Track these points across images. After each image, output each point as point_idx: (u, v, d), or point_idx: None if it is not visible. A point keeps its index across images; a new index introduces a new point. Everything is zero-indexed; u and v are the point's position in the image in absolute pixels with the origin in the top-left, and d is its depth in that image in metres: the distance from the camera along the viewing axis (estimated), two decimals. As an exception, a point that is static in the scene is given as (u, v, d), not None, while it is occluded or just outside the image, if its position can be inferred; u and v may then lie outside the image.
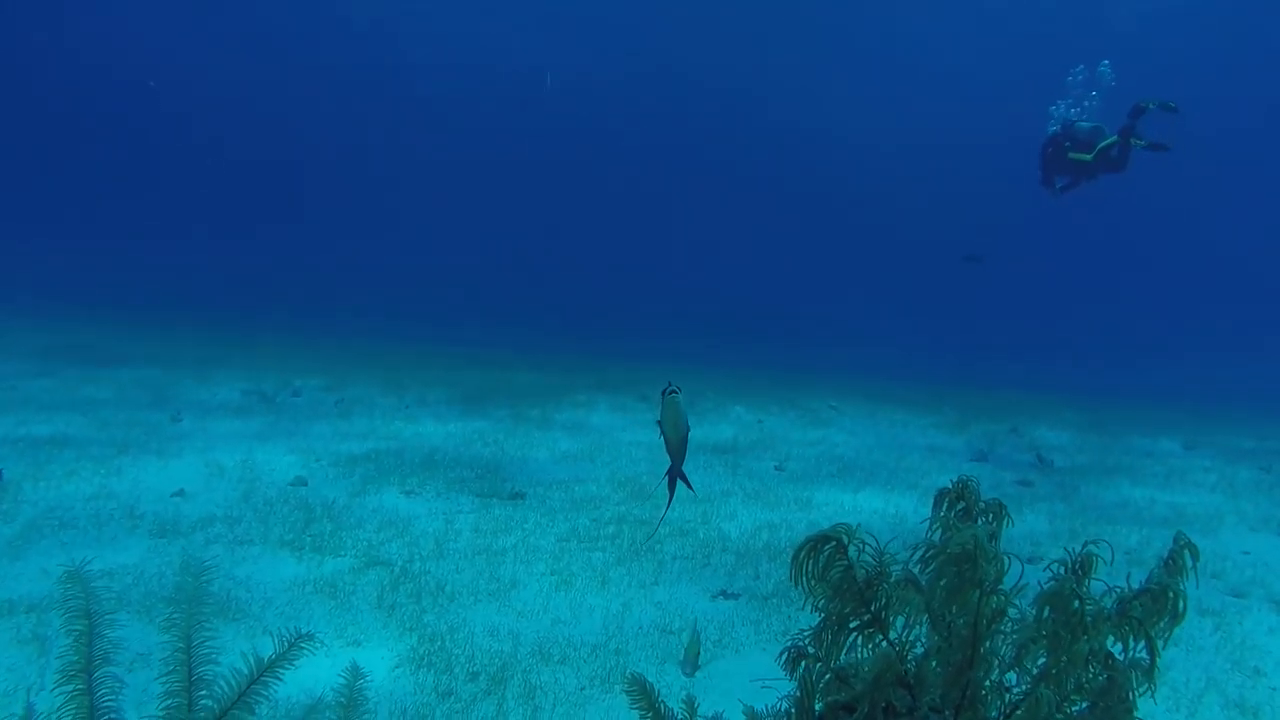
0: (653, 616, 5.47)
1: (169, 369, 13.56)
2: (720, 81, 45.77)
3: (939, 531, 3.30)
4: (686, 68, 45.15)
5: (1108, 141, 11.47)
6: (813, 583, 2.92)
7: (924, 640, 3.15)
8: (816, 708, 2.92)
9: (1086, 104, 13.87)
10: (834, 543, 3.00)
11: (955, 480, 3.46)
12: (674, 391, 3.90)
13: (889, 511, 8.30)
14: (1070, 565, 3.11)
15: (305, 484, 7.89)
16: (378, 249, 41.82)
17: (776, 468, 9.79)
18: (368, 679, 3.03)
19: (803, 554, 2.93)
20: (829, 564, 3.01)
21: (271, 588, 5.50)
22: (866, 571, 3.03)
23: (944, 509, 3.34)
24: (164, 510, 6.89)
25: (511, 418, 11.61)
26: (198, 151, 48.60)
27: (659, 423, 4.04)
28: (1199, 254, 45.88)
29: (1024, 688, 3.03)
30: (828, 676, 3.14)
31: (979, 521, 3.28)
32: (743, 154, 49.15)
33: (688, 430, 4.02)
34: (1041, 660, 3.00)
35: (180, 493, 7.35)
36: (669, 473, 4.18)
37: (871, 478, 9.51)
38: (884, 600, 2.97)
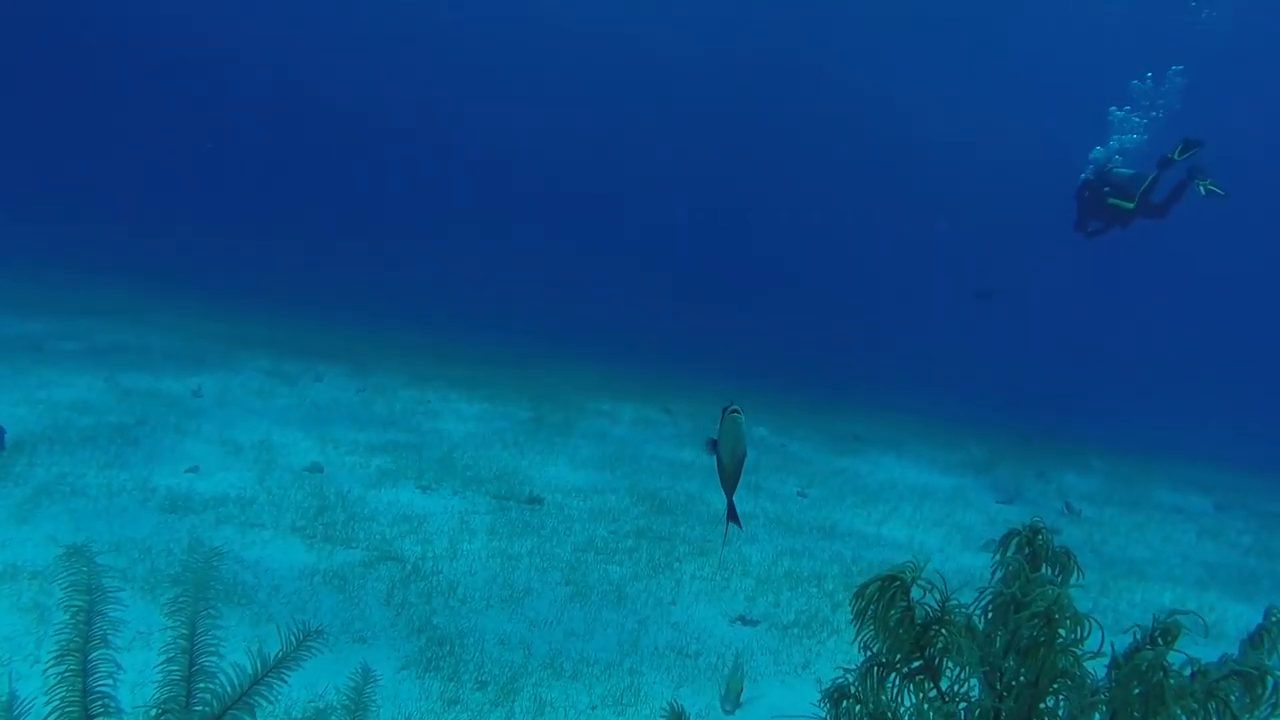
0: (669, 637, 5.28)
1: (193, 342, 13.50)
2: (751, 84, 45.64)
3: (1000, 573, 3.09)
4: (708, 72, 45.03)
5: (1147, 183, 11.17)
6: (874, 626, 2.72)
7: (972, 692, 2.95)
8: (857, 757, 2.72)
9: (1150, 116, 13.57)
10: (899, 583, 2.80)
11: (1027, 524, 3.23)
12: (735, 411, 3.62)
13: (913, 546, 8.07)
14: (1150, 633, 2.88)
15: (321, 470, 7.75)
16: (412, 241, 41.81)
17: (799, 493, 9.57)
18: (377, 681, 2.85)
19: (871, 591, 2.73)
20: (890, 604, 2.81)
21: (280, 574, 5.34)
22: (926, 614, 2.83)
23: (1010, 550, 3.13)
24: (177, 486, 6.76)
25: (533, 421, 11.44)
26: (239, 138, 48.89)
27: (712, 442, 3.77)
28: (1231, 309, 45.18)
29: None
30: (865, 721, 2.94)
31: (1043, 569, 3.08)
32: (787, 160, 48.79)
33: (744, 455, 3.79)
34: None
35: (195, 469, 7.22)
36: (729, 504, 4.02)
37: (895, 511, 9.28)
38: (940, 645, 2.77)
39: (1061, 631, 2.62)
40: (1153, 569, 8.33)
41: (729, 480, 3.78)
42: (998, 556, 3.15)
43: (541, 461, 9.36)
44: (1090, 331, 41.23)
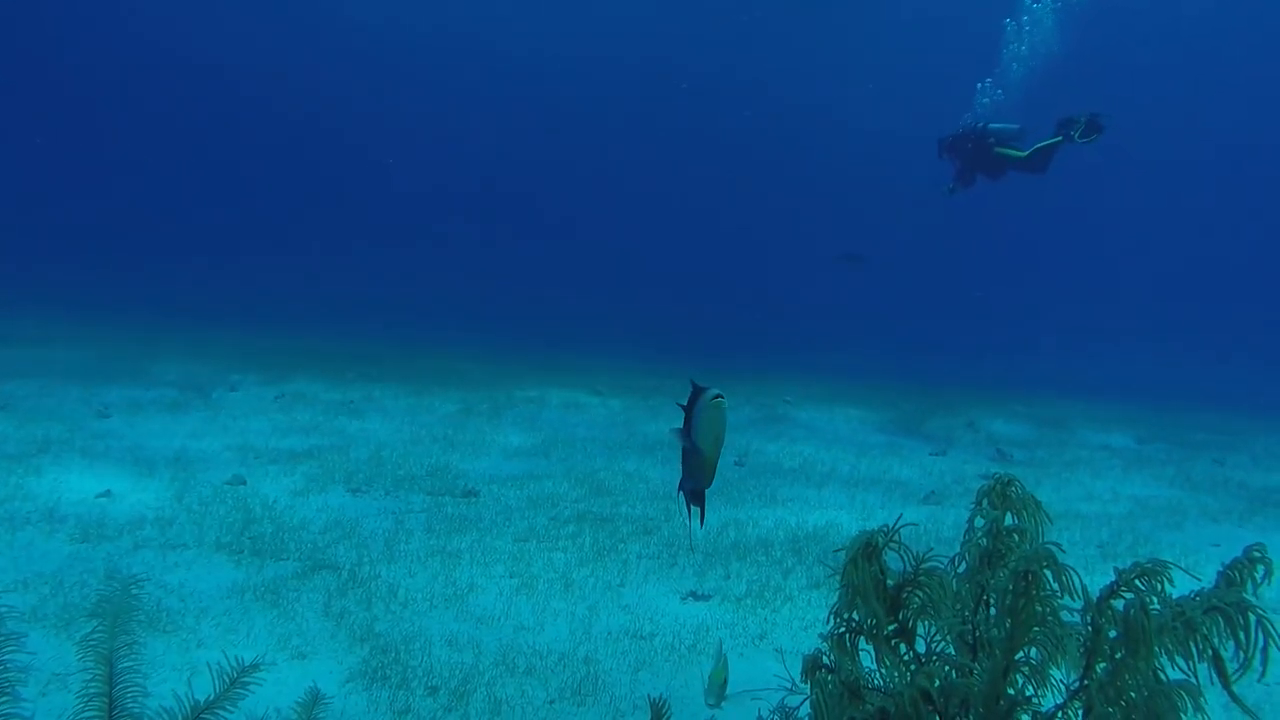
0: (622, 621, 5.14)
1: (99, 359, 12.87)
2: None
3: (980, 522, 2.99)
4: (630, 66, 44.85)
5: (1048, 142, 11.39)
6: (849, 594, 2.61)
7: (948, 650, 2.86)
8: (838, 729, 2.61)
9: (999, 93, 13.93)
10: (872, 547, 2.70)
11: (994, 475, 3.15)
12: (718, 397, 3.22)
13: (854, 505, 8.07)
14: (1127, 576, 2.82)
15: (244, 482, 7.41)
16: (314, 242, 40.74)
17: (736, 463, 9.51)
18: (327, 703, 2.64)
19: (857, 557, 2.62)
20: (864, 568, 2.71)
21: (207, 595, 5.05)
22: (900, 577, 2.73)
23: (984, 504, 3.04)
24: (88, 512, 6.37)
25: (461, 413, 11.18)
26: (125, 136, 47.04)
27: (680, 432, 3.39)
28: (1131, 248, 46.70)
29: (1050, 700, 2.75)
30: (839, 690, 2.84)
31: (1010, 519, 3.01)
32: (697, 148, 48.93)
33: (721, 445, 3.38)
34: (1075, 675, 2.72)
35: (107, 493, 6.83)
36: (688, 490, 3.60)
37: (834, 473, 9.28)
38: (915, 606, 2.67)
39: (1042, 582, 2.55)
40: (1086, 506, 8.47)
41: (707, 473, 3.40)
42: (973, 511, 3.06)
43: (473, 453, 9.13)
44: (991, 285, 42.28)
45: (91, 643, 2.44)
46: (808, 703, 2.90)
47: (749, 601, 5.51)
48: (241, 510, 6.64)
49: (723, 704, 4.04)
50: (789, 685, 3.92)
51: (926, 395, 15.68)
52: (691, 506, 3.66)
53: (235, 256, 34.54)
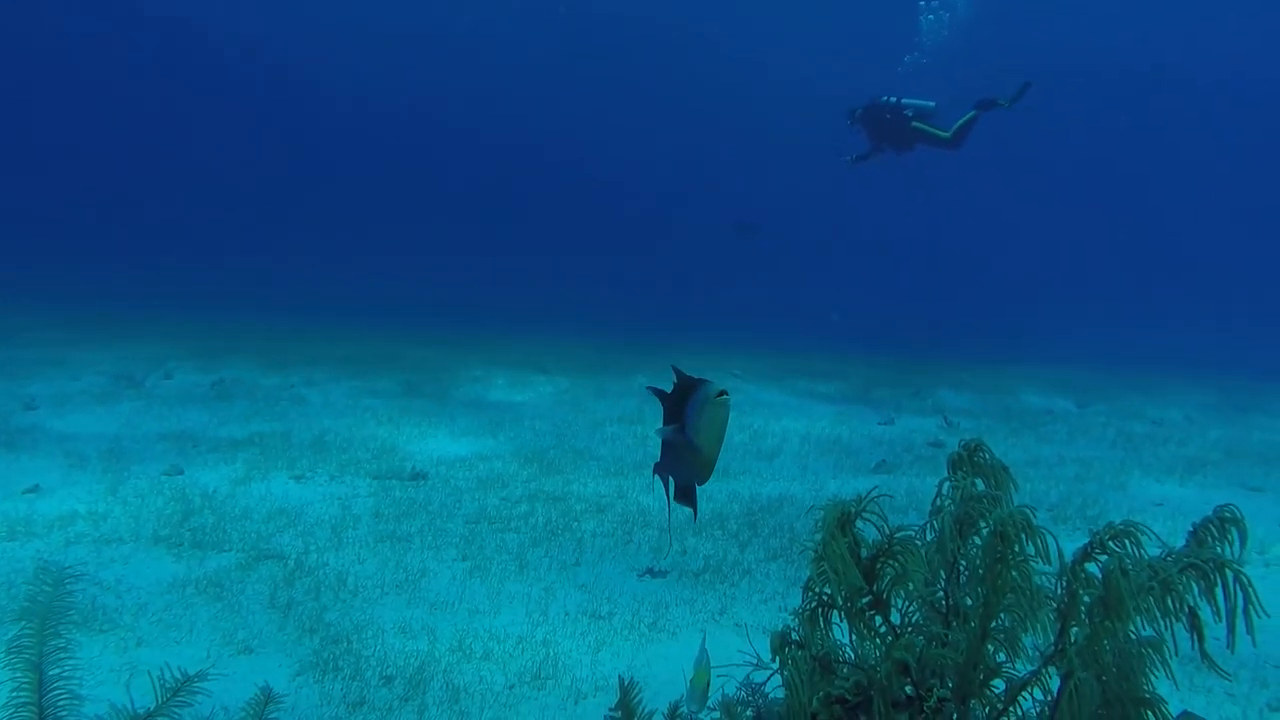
0: (578, 600, 5.05)
1: (19, 350, 12.38)
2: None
3: (948, 487, 2.95)
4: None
5: (968, 117, 11.54)
6: (833, 565, 2.53)
7: (917, 622, 2.81)
8: (812, 706, 2.54)
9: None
10: (844, 516, 2.62)
11: (964, 441, 3.11)
12: (723, 394, 3.03)
13: (806, 478, 8.06)
14: (1100, 537, 2.79)
15: (182, 472, 7.16)
16: (248, 225, 39.77)
17: (687, 438, 9.44)
18: (280, 702, 2.50)
19: (832, 526, 2.54)
20: (837, 538, 2.63)
21: (146, 591, 4.85)
22: (872, 549, 2.67)
23: (956, 474, 2.99)
24: (14, 510, 6.09)
25: (405, 394, 10.96)
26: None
27: (673, 429, 3.14)
28: (1059, 224, 47.55)
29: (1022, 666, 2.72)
30: (810, 665, 2.78)
31: (978, 484, 2.97)
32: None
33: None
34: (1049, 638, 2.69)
35: (35, 488, 6.54)
36: (678, 486, 3.38)
37: (784, 445, 9.27)
38: (889, 577, 2.61)
39: (1016, 548, 2.50)
40: (1034, 470, 8.57)
41: (705, 471, 3.18)
42: (944, 478, 3.01)
43: (419, 435, 8.94)
44: (924, 258, 42.83)
45: (18, 647, 2.27)
46: (776, 678, 2.84)
47: (707, 576, 5.45)
48: (180, 501, 6.40)
49: (705, 710, 3.68)
50: (754, 661, 3.86)
51: (873, 367, 15.79)
52: (675, 500, 3.51)
53: (166, 241, 33.58)
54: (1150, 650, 2.61)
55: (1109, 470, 8.67)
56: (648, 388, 3.32)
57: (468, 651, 4.35)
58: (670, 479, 3.44)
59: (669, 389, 3.29)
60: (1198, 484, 8.36)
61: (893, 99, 11.91)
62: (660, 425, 3.28)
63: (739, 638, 4.59)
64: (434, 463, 7.89)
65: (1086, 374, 16.52)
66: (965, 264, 42.60)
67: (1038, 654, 2.70)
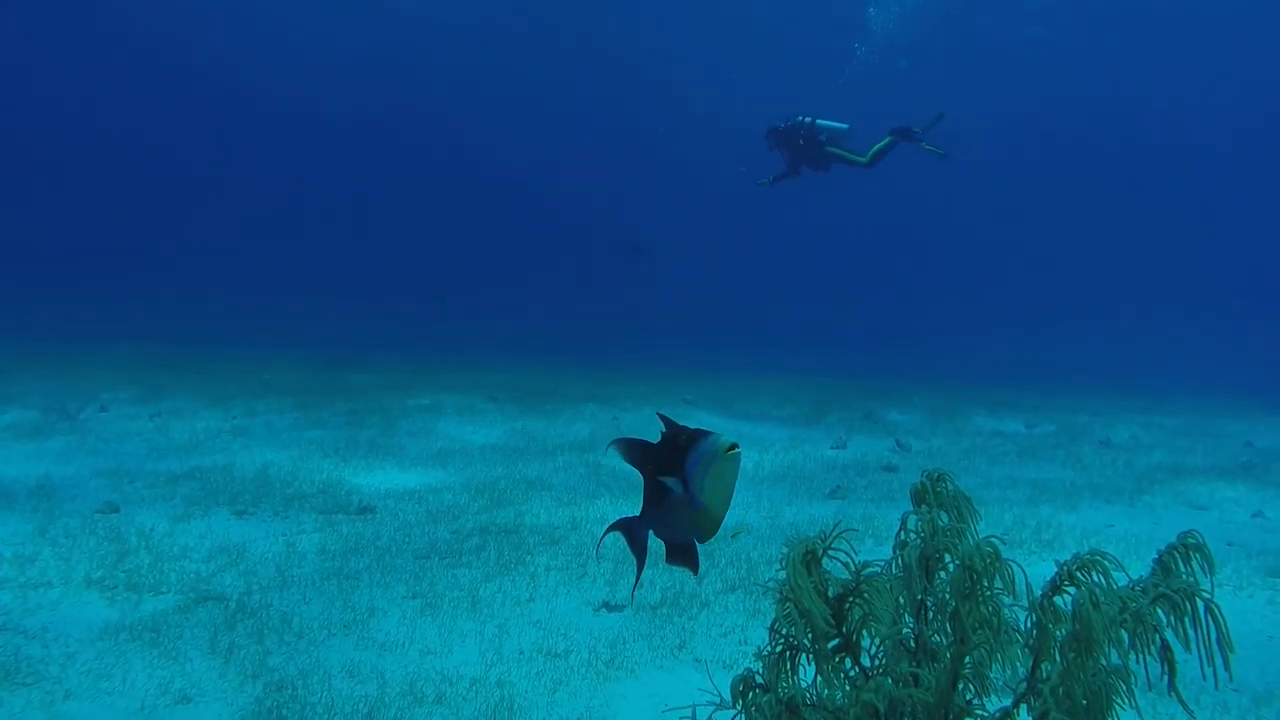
0: (534, 638, 4.89)
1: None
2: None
3: (913, 522, 2.88)
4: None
5: (883, 143, 11.79)
6: (800, 607, 2.44)
7: (885, 664, 2.73)
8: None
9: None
10: (810, 554, 2.54)
11: (927, 472, 3.06)
12: (734, 448, 2.67)
13: (761, 504, 7.99)
14: (1068, 568, 2.74)
15: (117, 510, 6.88)
16: (186, 255, 39.04)
17: (640, 465, 9.33)
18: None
19: (798, 563, 2.44)
20: (804, 580, 2.54)
21: (76, 639, 4.60)
22: (840, 588, 2.58)
23: (921, 507, 2.92)
24: (-63, 552, 5.78)
25: (351, 424, 10.72)
26: None
27: (678, 483, 2.75)
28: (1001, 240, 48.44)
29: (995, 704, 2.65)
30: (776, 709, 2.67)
31: (942, 516, 2.90)
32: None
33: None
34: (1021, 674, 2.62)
35: (-41, 529, 6.23)
36: (677, 546, 2.97)
37: (738, 471, 9.18)
38: (858, 617, 2.52)
39: (986, 582, 2.43)
40: (988, 492, 8.59)
41: (711, 530, 2.78)
42: (908, 511, 2.94)
43: (366, 467, 8.73)
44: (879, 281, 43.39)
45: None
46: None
47: (665, 610, 5.33)
48: (115, 541, 6.14)
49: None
50: (716, 700, 3.75)
51: (824, 389, 15.84)
52: (668, 560, 3.05)
53: (103, 270, 32.81)
54: (1117, 680, 2.57)
55: (1061, 492, 8.72)
56: (613, 447, 2.91)
57: (419, 695, 4.18)
58: (679, 540, 2.96)
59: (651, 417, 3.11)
60: (1146, 505, 8.44)
61: (807, 119, 12.09)
62: (640, 473, 2.87)
63: (699, 674, 4.48)
64: (382, 496, 7.69)
65: (1034, 394, 16.75)
66: (913, 281, 43.23)
67: (1008, 690, 2.64)
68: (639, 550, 3.04)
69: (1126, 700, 2.54)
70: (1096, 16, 36.82)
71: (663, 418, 2.82)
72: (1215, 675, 2.33)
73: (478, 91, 46.74)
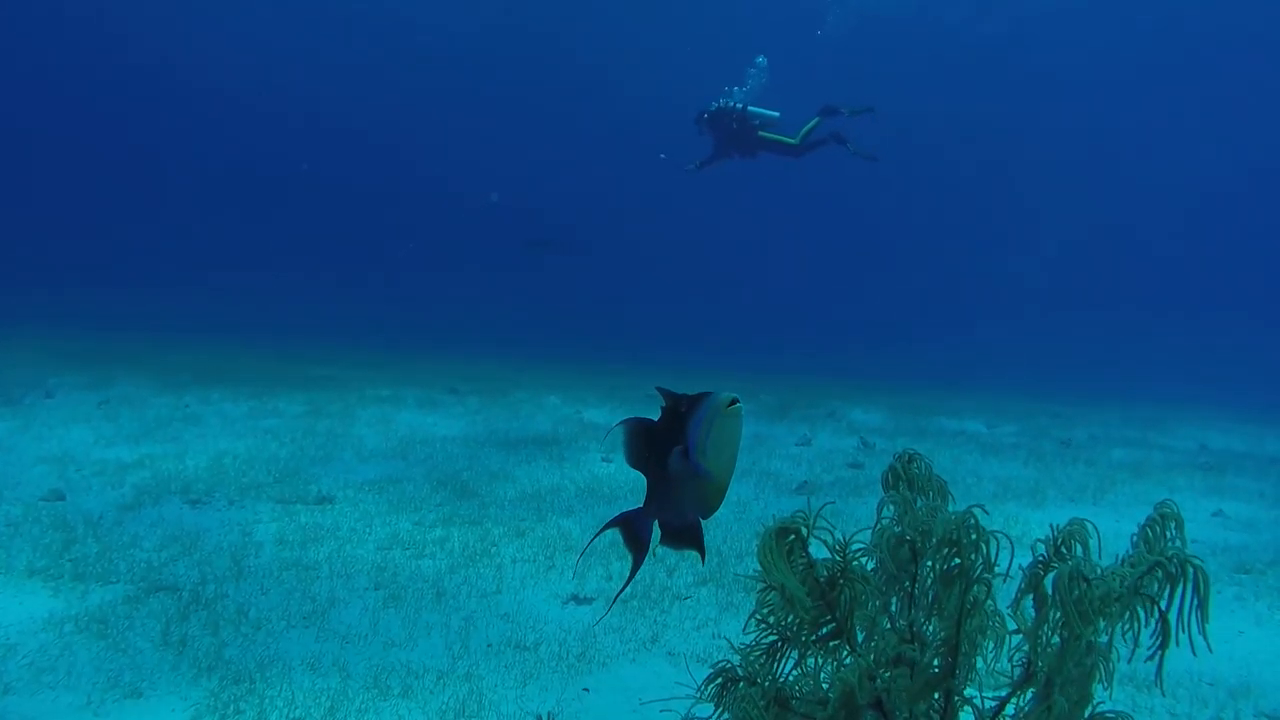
0: (502, 630, 4.75)
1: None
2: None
3: (889, 510, 2.82)
4: None
5: (811, 124, 11.89)
6: (794, 592, 2.33)
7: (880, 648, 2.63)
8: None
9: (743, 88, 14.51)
10: (794, 535, 2.43)
11: (899, 454, 3.01)
12: (735, 402, 2.40)
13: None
14: (1053, 544, 2.69)
15: (63, 498, 6.61)
16: (138, 237, 38.13)
17: (604, 459, 9.22)
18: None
19: (779, 549, 2.34)
20: (788, 560, 2.44)
21: (17, 631, 4.37)
22: (829, 571, 2.48)
23: (897, 488, 2.86)
24: None
25: (309, 414, 10.46)
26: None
27: (678, 454, 2.44)
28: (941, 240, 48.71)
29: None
30: (764, 703, 2.57)
31: (919, 501, 2.84)
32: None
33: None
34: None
35: (-107, 515, 5.94)
36: (678, 525, 2.56)
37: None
38: (845, 600, 2.42)
39: (974, 556, 2.37)
40: (953, 489, 8.52)
41: (715, 501, 2.45)
42: (884, 498, 2.89)
43: (326, 457, 8.50)
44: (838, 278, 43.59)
45: None
46: (719, 716, 2.62)
47: (636, 603, 5.21)
48: (60, 529, 5.88)
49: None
50: (692, 694, 3.64)
51: (786, 387, 15.81)
52: (671, 543, 2.65)
53: (48, 251, 31.97)
54: (1100, 659, 2.52)
55: (1026, 490, 8.73)
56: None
57: (385, 689, 4.01)
58: (678, 519, 2.57)
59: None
60: (1110, 503, 8.47)
61: (739, 105, 12.14)
62: (630, 460, 2.57)
63: (674, 667, 4.36)
64: (341, 485, 7.48)
65: (994, 395, 16.88)
66: (875, 281, 43.47)
67: (993, 674, 2.57)
68: (639, 549, 2.64)
69: (1107, 680, 2.50)
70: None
71: (661, 390, 2.58)
72: (1192, 644, 2.29)
73: (459, 95, 46.28)
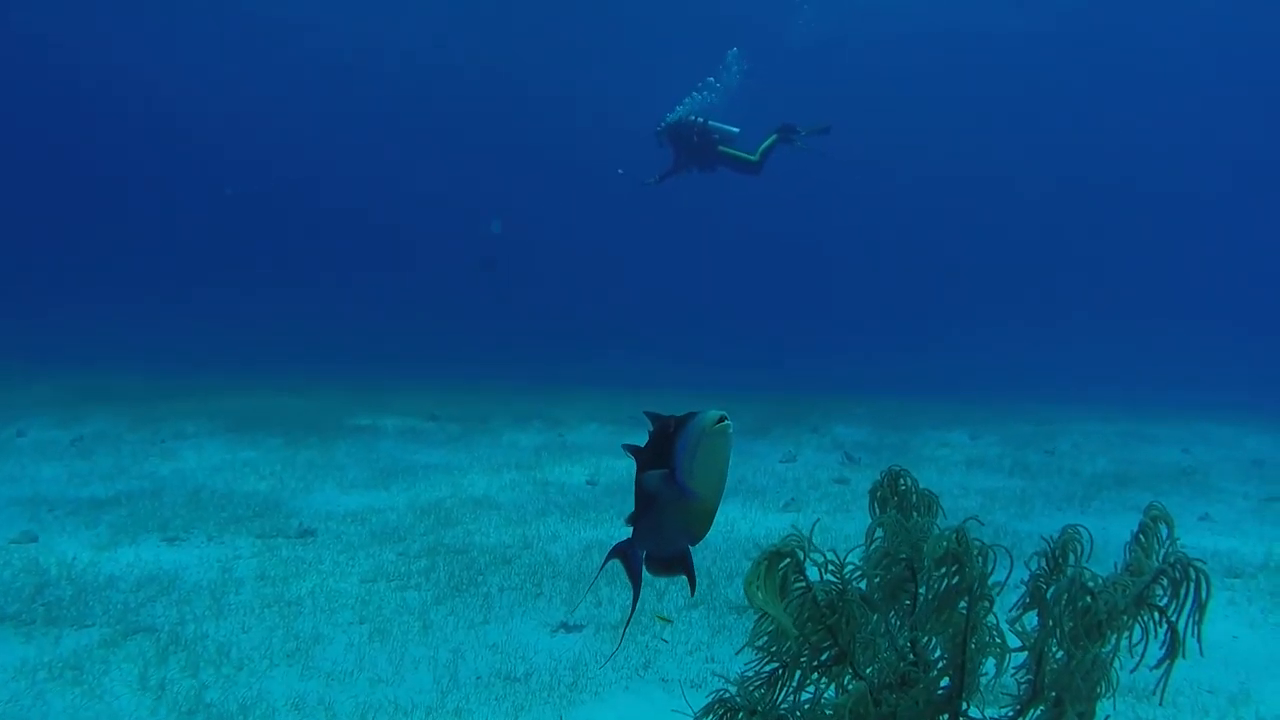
0: (491, 662, 4.65)
1: None
2: None
3: (879, 534, 2.76)
4: None
5: (769, 141, 12.02)
6: (797, 617, 2.26)
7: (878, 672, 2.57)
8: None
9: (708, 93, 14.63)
10: (788, 560, 2.36)
11: (886, 471, 2.96)
12: (723, 420, 2.31)
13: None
14: (1051, 555, 2.64)
15: (35, 539, 6.45)
16: (105, 273, 37.61)
17: (589, 482, 9.13)
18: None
19: (761, 572, 2.27)
20: (784, 586, 2.37)
21: (-11, 678, 4.23)
22: (827, 594, 2.41)
23: (885, 509, 2.80)
24: None
25: (286, 445, 10.32)
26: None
27: (663, 477, 2.38)
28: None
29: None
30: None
31: (913, 517, 2.79)
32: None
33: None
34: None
35: None
36: (665, 555, 2.57)
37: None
38: (845, 626, 2.36)
39: (973, 571, 2.32)
40: (941, 502, 8.52)
41: (704, 524, 2.43)
42: (875, 516, 2.83)
43: (305, 488, 8.37)
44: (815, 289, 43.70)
45: None
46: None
47: (628, 629, 5.11)
48: (33, 572, 5.73)
49: None
50: (691, 720, 3.56)
51: (766, 404, 15.77)
52: (658, 571, 2.65)
53: (17, 289, 31.52)
54: (1104, 672, 2.48)
55: (1012, 500, 8.71)
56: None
57: (371, 727, 3.90)
58: (666, 547, 2.54)
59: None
60: (1097, 511, 8.47)
61: (700, 119, 12.23)
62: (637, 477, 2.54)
63: (667, 694, 4.28)
64: (322, 518, 7.35)
65: (976, 405, 16.90)
66: (847, 291, 43.54)
67: (1002, 693, 2.51)
68: (634, 578, 2.63)
69: (1111, 692, 2.45)
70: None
71: (649, 414, 2.51)
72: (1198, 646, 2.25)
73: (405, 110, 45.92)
